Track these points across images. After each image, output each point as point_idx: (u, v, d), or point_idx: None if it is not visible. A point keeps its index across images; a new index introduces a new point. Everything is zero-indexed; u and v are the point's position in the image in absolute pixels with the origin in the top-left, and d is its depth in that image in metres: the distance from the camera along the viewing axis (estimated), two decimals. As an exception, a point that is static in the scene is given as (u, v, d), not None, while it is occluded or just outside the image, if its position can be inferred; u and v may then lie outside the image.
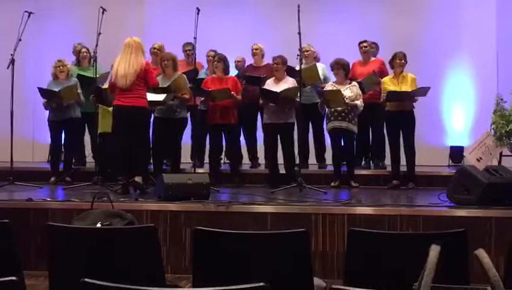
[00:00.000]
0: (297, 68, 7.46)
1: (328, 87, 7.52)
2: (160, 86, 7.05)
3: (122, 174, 6.48)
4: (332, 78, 7.80)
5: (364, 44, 8.19)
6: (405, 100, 7.21)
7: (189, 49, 8.10)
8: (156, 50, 8.09)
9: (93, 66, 7.63)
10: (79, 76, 7.97)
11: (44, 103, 7.75)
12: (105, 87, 7.10)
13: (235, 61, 8.56)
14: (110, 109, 7.15)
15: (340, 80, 7.51)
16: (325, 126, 7.69)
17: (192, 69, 7.71)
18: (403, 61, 7.34)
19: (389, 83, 7.38)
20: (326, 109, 7.49)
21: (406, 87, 7.24)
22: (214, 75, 7.72)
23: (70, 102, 7.65)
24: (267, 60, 8.17)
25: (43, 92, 7.69)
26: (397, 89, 7.26)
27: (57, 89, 7.58)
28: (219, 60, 7.58)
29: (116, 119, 6.52)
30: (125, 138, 6.42)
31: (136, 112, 6.39)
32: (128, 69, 6.33)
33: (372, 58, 8.28)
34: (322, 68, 8.06)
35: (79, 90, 7.72)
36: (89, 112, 7.78)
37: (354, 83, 7.53)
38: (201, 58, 8.35)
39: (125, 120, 6.41)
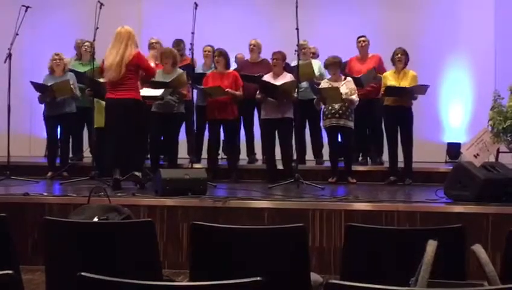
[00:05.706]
0: (293, 64, 7.44)
1: (324, 84, 7.51)
2: (159, 80, 7.03)
3: (115, 170, 6.30)
4: (328, 74, 7.77)
5: (363, 38, 8.17)
6: (402, 96, 7.20)
7: (181, 49, 8.04)
8: (154, 44, 8.08)
9: (91, 61, 7.60)
10: (71, 71, 7.92)
11: (39, 96, 7.72)
12: (102, 80, 7.03)
13: (235, 58, 8.53)
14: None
15: (335, 77, 7.50)
16: (321, 122, 7.67)
17: (187, 64, 7.67)
18: (399, 55, 7.30)
19: (389, 78, 7.36)
20: (323, 106, 7.48)
21: (406, 84, 7.22)
22: (214, 70, 7.67)
23: (63, 97, 7.58)
24: (264, 55, 8.13)
25: (36, 85, 7.66)
26: (397, 84, 7.25)
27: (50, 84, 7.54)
28: (219, 55, 7.52)
29: (108, 113, 6.37)
30: (117, 132, 6.24)
31: (128, 104, 6.20)
32: (117, 60, 6.15)
33: (370, 54, 8.25)
34: (319, 66, 8.02)
35: (74, 85, 7.66)
36: (85, 106, 7.76)
37: (348, 78, 7.51)
38: (198, 54, 8.32)
39: (117, 113, 6.23)
